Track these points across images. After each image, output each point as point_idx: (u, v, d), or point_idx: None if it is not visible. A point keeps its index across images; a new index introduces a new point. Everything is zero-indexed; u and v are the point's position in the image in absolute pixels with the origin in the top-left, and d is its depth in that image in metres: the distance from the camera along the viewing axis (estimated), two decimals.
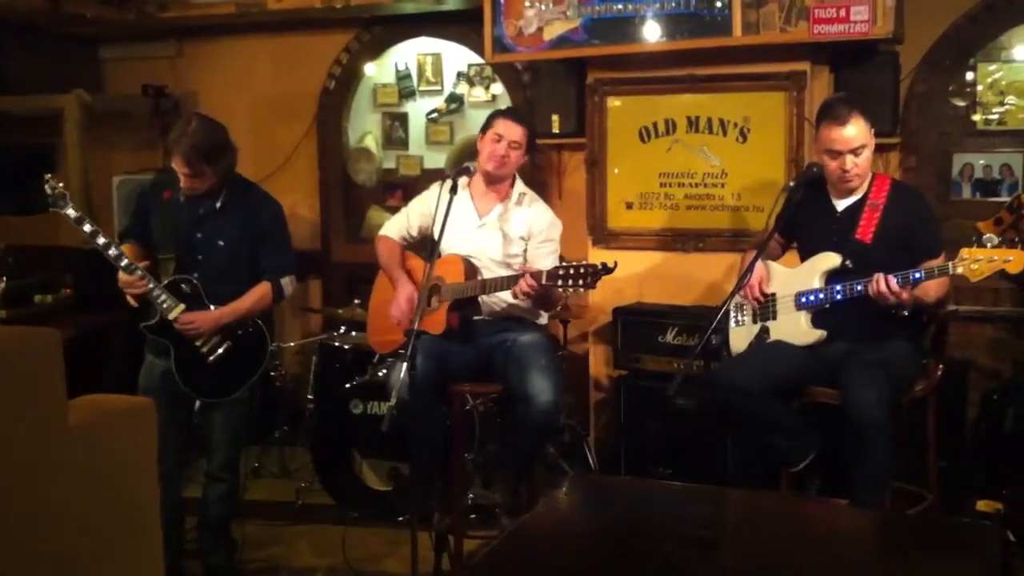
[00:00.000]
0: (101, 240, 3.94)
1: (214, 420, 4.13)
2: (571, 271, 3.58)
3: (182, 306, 3.98)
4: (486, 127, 4.11)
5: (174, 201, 4.08)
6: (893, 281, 3.53)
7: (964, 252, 3.50)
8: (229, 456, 4.20)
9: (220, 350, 4.04)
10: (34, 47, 6.54)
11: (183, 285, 4.02)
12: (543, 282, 3.65)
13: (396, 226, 4.34)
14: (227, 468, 4.21)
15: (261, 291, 4.11)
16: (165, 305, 3.98)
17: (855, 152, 3.74)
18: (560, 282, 3.60)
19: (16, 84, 6.38)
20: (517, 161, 4.09)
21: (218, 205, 4.06)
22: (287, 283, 4.19)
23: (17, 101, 6.32)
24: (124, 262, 3.94)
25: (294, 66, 6.61)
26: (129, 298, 4.01)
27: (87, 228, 3.96)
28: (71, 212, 3.97)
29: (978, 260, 3.46)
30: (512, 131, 4.04)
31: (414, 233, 4.29)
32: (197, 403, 4.14)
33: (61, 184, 4.03)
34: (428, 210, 4.11)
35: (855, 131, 3.72)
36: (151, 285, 3.97)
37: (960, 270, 3.49)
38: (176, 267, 4.05)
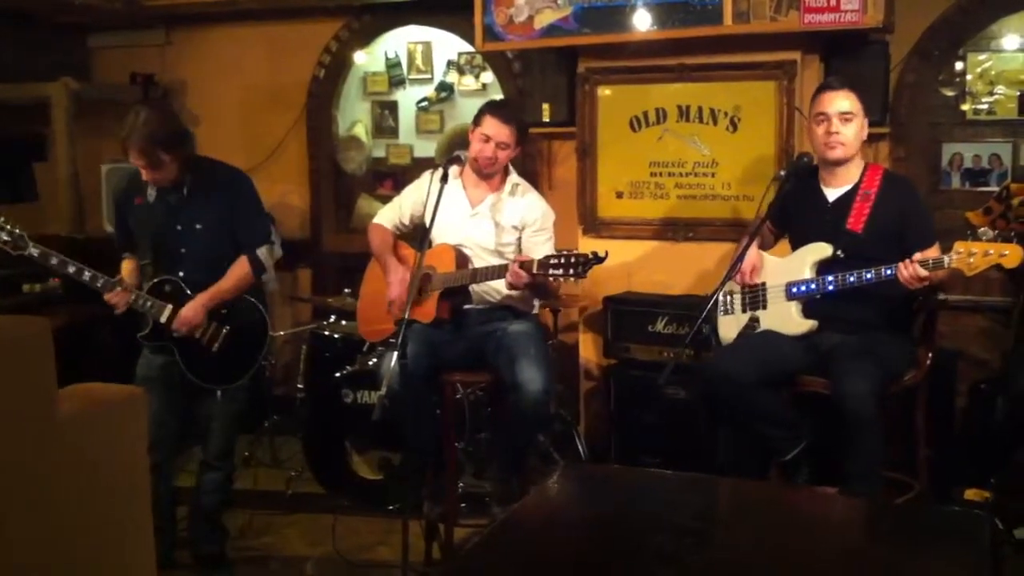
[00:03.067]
0: (71, 268, 3.94)
1: (217, 409, 4.13)
2: (562, 260, 3.58)
3: (170, 307, 3.99)
4: (476, 120, 4.08)
5: (145, 204, 4.07)
6: (918, 267, 3.49)
7: (959, 246, 3.46)
8: (226, 445, 4.22)
9: (222, 335, 4.04)
10: (22, 35, 6.50)
11: (165, 286, 4.04)
12: (534, 271, 3.65)
13: (389, 215, 4.33)
14: (224, 456, 4.23)
15: (239, 268, 4.10)
16: (154, 310, 3.98)
17: (842, 118, 3.76)
18: (551, 271, 3.60)
19: (3, 72, 6.34)
20: (506, 159, 4.07)
21: (185, 191, 4.04)
22: (264, 254, 4.16)
23: (5, 89, 6.28)
24: (100, 282, 3.95)
25: (283, 55, 6.58)
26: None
27: (54, 261, 3.94)
28: (34, 251, 3.92)
29: (973, 254, 3.42)
30: (500, 132, 3.99)
31: (406, 222, 4.28)
32: (218, 393, 4.13)
33: (18, 228, 3.96)
34: (420, 198, 4.09)
35: (844, 98, 3.77)
36: (133, 295, 3.97)
37: (955, 263, 3.45)
38: (157, 268, 4.05)
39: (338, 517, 4.54)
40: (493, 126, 4.00)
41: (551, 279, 3.67)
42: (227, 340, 4.06)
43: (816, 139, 3.85)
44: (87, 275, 3.95)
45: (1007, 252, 3.41)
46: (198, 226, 4.05)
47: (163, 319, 3.98)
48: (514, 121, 4.04)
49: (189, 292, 4.02)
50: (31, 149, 6.41)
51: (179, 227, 4.05)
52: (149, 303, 3.99)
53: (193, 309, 4.00)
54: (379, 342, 4.43)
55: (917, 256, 3.54)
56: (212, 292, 4.04)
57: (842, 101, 3.77)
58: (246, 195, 4.19)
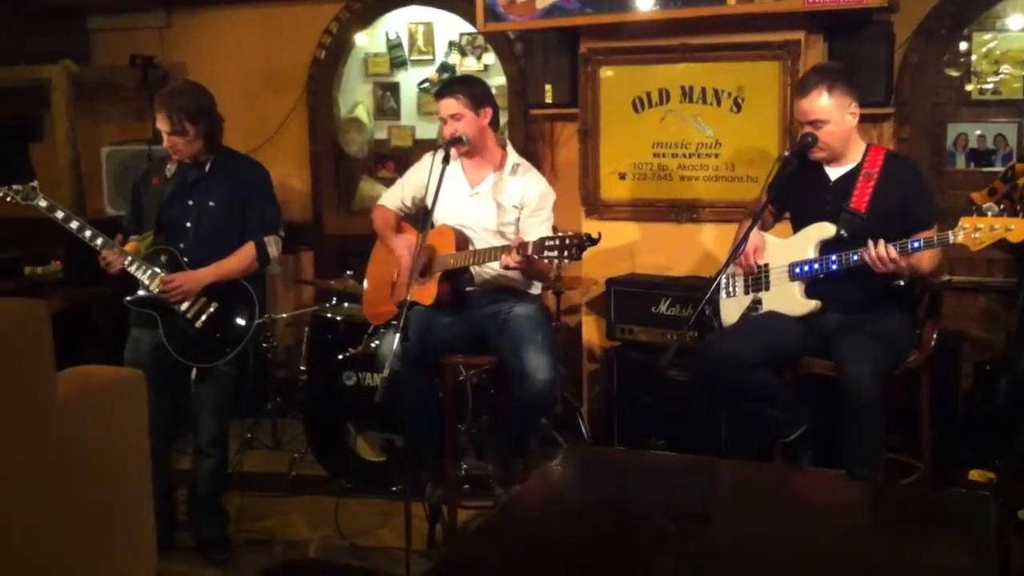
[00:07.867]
0: (74, 224, 4.04)
1: (202, 395, 4.13)
2: (556, 242, 3.56)
3: (162, 274, 4.00)
4: None
5: (162, 181, 4.14)
6: (891, 248, 3.50)
7: (964, 221, 3.44)
8: (217, 431, 4.21)
9: (209, 311, 4.04)
10: (20, 17, 6.47)
11: (161, 256, 4.06)
12: (528, 254, 3.63)
13: (392, 196, 4.33)
14: (215, 443, 4.22)
15: (244, 251, 4.13)
16: (147, 275, 3.99)
17: (813, 125, 3.74)
18: (545, 253, 3.58)
19: (2, 54, 6.32)
20: (470, 126, 4.01)
21: (207, 169, 4.10)
22: (271, 243, 4.18)
23: (3, 71, 6.26)
24: (100, 240, 4.03)
25: (284, 36, 6.55)
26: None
27: (59, 215, 4.06)
28: (42, 203, 4.08)
29: (979, 229, 3.40)
30: (445, 107, 4.02)
31: (408, 203, 4.27)
32: (194, 372, 4.13)
33: (33, 183, 4.14)
34: (421, 180, 4.08)
35: (813, 104, 3.71)
36: (129, 258, 3.98)
37: (960, 239, 3.44)
38: (158, 239, 4.08)
39: (340, 499, 4.54)
40: (440, 106, 4.06)
41: (545, 261, 3.66)
42: (213, 319, 4.06)
43: None
44: (88, 232, 4.04)
45: (1013, 226, 3.38)
46: (211, 203, 4.09)
47: (152, 286, 3.99)
48: (454, 90, 4.04)
49: (186, 261, 4.05)
50: (25, 129, 6.39)
51: (190, 202, 4.10)
52: (143, 268, 4.00)
53: (192, 278, 4.02)
54: (382, 325, 4.42)
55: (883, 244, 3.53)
56: (215, 268, 4.06)
57: (813, 108, 3.72)
58: (264, 184, 4.26)
